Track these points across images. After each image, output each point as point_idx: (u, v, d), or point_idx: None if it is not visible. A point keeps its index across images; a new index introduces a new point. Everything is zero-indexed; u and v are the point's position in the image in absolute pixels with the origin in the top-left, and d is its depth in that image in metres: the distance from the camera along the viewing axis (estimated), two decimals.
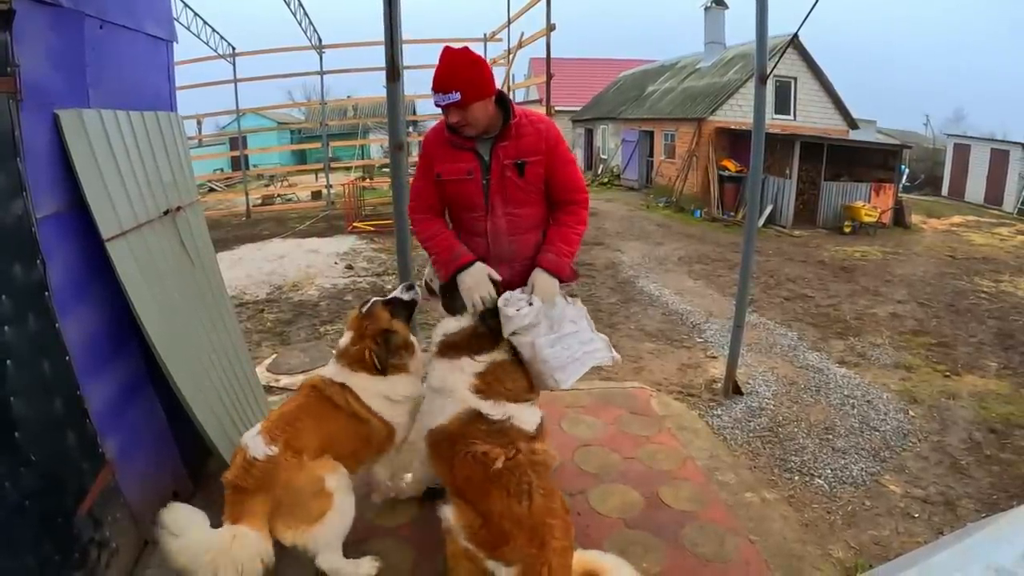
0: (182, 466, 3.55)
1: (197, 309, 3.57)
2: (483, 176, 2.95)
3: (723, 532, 3.27)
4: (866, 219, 15.33)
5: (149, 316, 2.92)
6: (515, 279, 3.02)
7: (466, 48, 2.83)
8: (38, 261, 2.46)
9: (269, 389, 4.72)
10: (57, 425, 2.53)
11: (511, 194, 2.95)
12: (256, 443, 2.65)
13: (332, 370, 3.01)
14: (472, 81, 2.73)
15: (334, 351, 3.08)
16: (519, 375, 2.88)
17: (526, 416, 2.73)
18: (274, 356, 6.39)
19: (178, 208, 3.60)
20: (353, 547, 2.97)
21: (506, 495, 2.41)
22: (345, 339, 3.05)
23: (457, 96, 2.71)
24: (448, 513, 2.53)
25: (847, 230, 15.40)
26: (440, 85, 2.73)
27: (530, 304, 2.83)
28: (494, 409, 2.67)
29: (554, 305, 2.93)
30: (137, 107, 3.32)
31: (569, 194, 3.03)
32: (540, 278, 2.92)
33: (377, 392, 2.97)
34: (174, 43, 3.93)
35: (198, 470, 3.73)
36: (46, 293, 2.50)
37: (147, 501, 3.12)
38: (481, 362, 2.81)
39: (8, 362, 2.26)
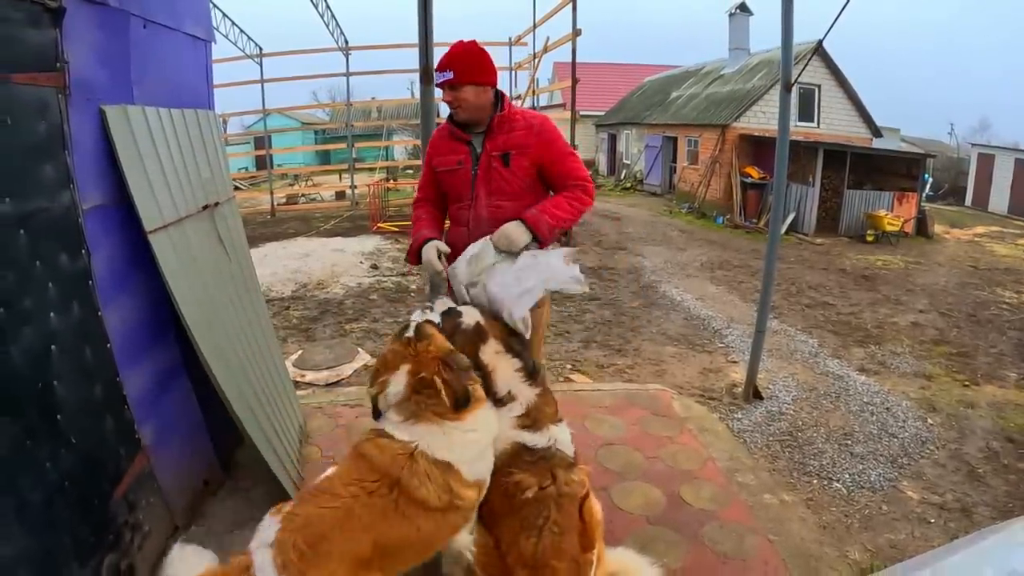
0: (213, 455, 3.65)
1: (232, 302, 3.67)
2: (472, 167, 3.06)
3: (743, 531, 3.32)
4: (888, 228, 15.22)
5: (188, 307, 3.00)
6: None
7: (474, 41, 2.98)
8: (83, 251, 2.57)
9: (295, 384, 4.82)
10: (97, 410, 2.62)
11: (496, 185, 3.03)
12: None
13: (399, 431, 2.21)
14: (466, 64, 2.90)
15: (386, 408, 2.27)
16: (549, 394, 2.71)
17: (564, 437, 2.56)
18: (300, 352, 6.49)
19: (216, 203, 3.71)
20: None
21: (518, 527, 2.28)
22: (398, 383, 2.22)
23: (450, 75, 2.87)
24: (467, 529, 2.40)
25: (869, 239, 15.30)
26: (440, 64, 2.92)
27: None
28: (539, 439, 2.47)
29: (514, 259, 2.86)
30: (177, 105, 3.42)
31: (570, 180, 3.04)
32: (509, 225, 2.89)
33: (464, 443, 2.25)
34: (211, 43, 4.04)
35: (228, 459, 3.83)
36: (90, 282, 2.60)
37: (179, 487, 3.23)
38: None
39: (52, 347, 2.36)
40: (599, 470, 3.84)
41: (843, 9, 4.13)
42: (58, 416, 2.35)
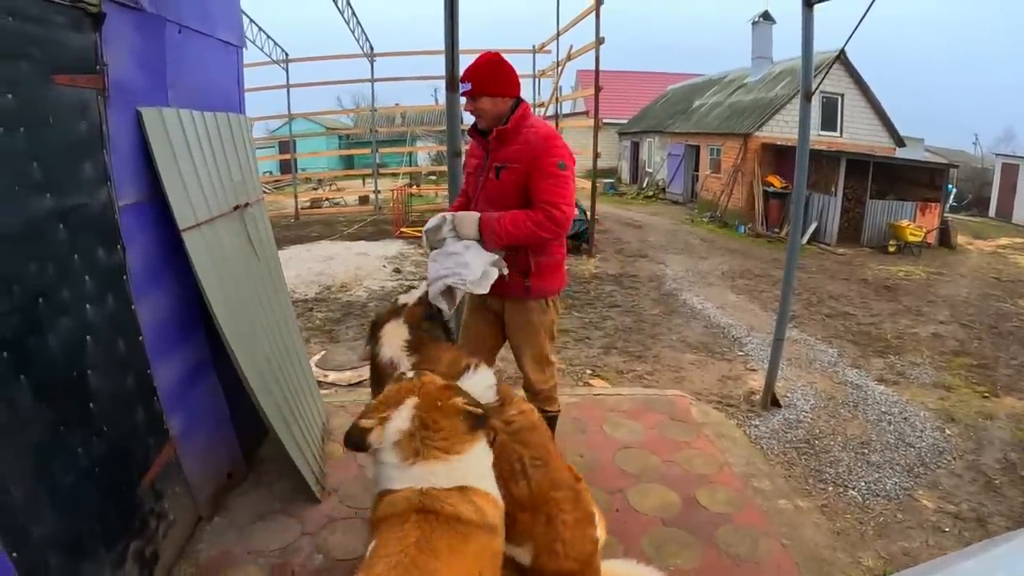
0: (238, 449, 3.73)
1: (260, 300, 3.76)
2: (481, 173, 3.21)
3: (757, 535, 3.34)
4: (911, 239, 15.08)
5: (218, 303, 3.09)
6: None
7: (499, 54, 3.15)
8: (119, 246, 2.67)
9: (318, 384, 4.91)
10: (127, 400, 2.72)
11: (490, 194, 3.16)
12: None
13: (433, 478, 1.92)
14: (484, 76, 3.05)
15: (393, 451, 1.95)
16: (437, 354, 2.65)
17: (480, 383, 2.37)
18: (323, 353, 6.59)
19: (246, 204, 3.81)
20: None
21: (502, 482, 2.14)
22: (402, 418, 1.96)
23: (469, 86, 3.05)
24: None
25: (892, 249, 15.14)
26: (462, 76, 3.11)
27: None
28: None
29: (460, 247, 3.03)
30: (210, 108, 3.53)
31: (538, 200, 3.01)
32: (470, 215, 3.07)
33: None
34: (243, 49, 4.15)
35: (252, 453, 3.92)
36: (124, 276, 2.71)
37: (204, 478, 3.32)
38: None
39: (87, 338, 2.46)
40: (616, 472, 3.89)
41: (863, 17, 4.15)
42: (91, 404, 2.45)
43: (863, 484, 4.43)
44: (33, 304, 2.16)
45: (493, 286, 3.01)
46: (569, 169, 3.05)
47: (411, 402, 1.99)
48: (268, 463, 3.89)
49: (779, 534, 3.37)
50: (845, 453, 4.87)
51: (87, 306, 2.46)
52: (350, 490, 3.67)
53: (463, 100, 3.19)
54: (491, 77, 3.06)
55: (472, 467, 1.97)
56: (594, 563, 2.35)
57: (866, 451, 4.91)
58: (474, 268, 2.97)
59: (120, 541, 2.56)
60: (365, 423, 1.98)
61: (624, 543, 3.20)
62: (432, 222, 3.14)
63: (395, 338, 2.74)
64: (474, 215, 3.07)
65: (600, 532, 2.40)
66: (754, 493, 3.77)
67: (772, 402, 5.55)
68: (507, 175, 3.08)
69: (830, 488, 4.37)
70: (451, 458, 1.93)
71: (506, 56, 3.15)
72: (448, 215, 3.13)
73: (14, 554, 1.92)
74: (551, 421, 3.34)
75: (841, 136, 19.97)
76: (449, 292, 2.98)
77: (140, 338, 2.81)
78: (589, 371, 6.41)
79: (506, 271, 3.08)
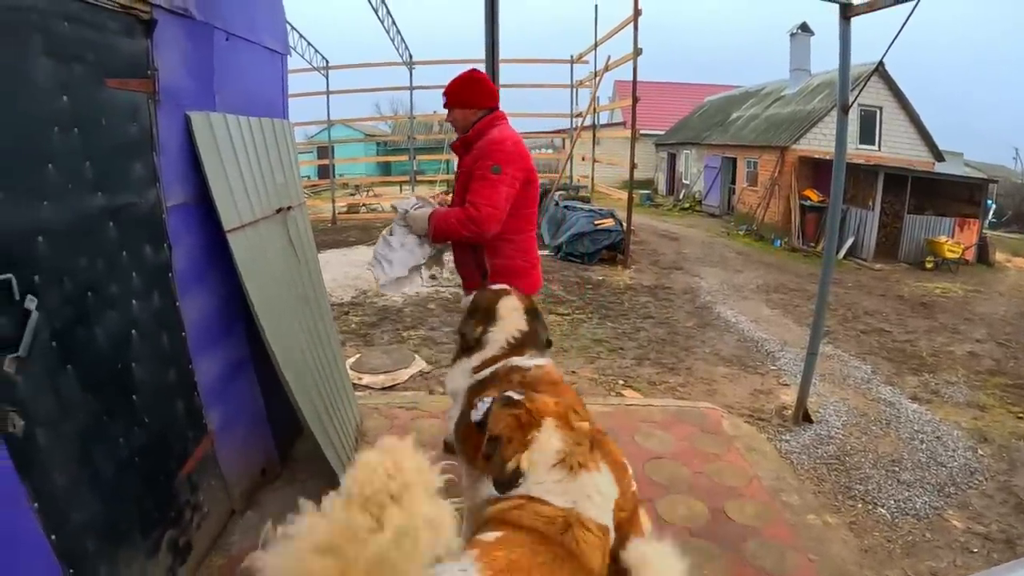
0: (273, 446, 3.82)
1: (300, 301, 3.85)
2: (458, 180, 3.49)
3: (783, 549, 3.33)
4: (948, 255, 14.79)
5: (259, 303, 3.17)
6: (461, 274, 3.58)
7: (475, 70, 3.49)
8: (165, 245, 2.77)
9: (353, 386, 4.99)
10: (169, 393, 2.81)
11: (459, 198, 3.40)
12: None
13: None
14: (455, 91, 3.40)
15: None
16: None
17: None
18: (358, 356, 6.67)
19: (288, 207, 3.91)
20: None
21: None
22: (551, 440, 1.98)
23: (444, 99, 3.43)
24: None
25: (929, 265, 14.87)
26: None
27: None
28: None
29: (396, 242, 3.42)
30: (255, 113, 3.63)
31: (467, 198, 3.22)
32: (424, 212, 3.37)
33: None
34: (287, 56, 4.25)
35: (287, 451, 4.01)
36: (170, 274, 2.81)
37: (239, 473, 3.40)
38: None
39: (133, 332, 2.55)
40: (645, 482, 3.88)
41: (901, 29, 4.12)
42: (134, 396, 2.54)
43: (893, 502, 4.38)
44: (82, 297, 2.25)
45: (465, 283, 3.45)
46: (504, 173, 3.16)
47: (551, 423, 2.02)
48: (302, 462, 3.97)
49: (806, 549, 3.35)
50: (876, 470, 4.81)
51: (134, 301, 2.56)
52: None
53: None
54: (462, 91, 3.39)
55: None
56: (637, 515, 2.24)
57: (897, 469, 4.85)
58: (395, 268, 3.37)
59: (155, 529, 2.64)
60: (509, 464, 1.96)
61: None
62: (401, 204, 3.48)
63: (512, 325, 2.75)
64: (427, 211, 3.35)
65: (644, 520, 2.29)
66: (783, 507, 3.75)
67: (804, 417, 5.51)
68: (460, 180, 3.39)
69: (859, 505, 4.33)
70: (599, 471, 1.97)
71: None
72: (409, 206, 3.45)
73: (52, 537, 1.99)
74: None
75: (879, 150, 19.71)
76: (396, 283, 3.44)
77: (183, 334, 2.91)
78: (622, 382, 6.41)
79: (425, 280, 3.50)
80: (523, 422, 2.03)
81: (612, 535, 1.96)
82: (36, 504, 1.94)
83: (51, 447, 2.04)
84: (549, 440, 1.98)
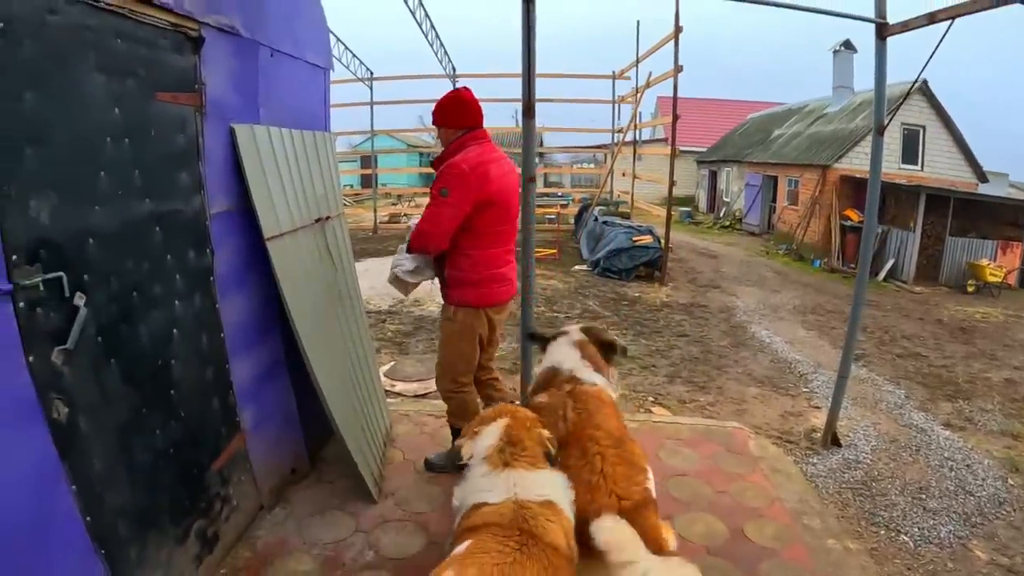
0: (303, 446, 3.95)
1: (335, 308, 3.99)
2: None
3: (800, 572, 3.30)
4: (990, 279, 14.41)
5: (296, 308, 3.32)
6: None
7: (462, 89, 3.72)
8: (208, 250, 2.93)
9: (386, 392, 5.10)
10: (206, 391, 2.96)
11: None
12: None
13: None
14: (438, 111, 3.65)
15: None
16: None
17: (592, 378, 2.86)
18: (392, 363, 6.80)
19: (327, 217, 4.07)
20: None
21: (546, 425, 2.45)
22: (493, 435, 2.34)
23: (431, 117, 3.66)
24: None
25: (970, 289, 14.51)
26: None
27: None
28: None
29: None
30: (297, 126, 3.79)
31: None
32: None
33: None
34: (330, 71, 4.42)
35: (316, 452, 4.14)
36: (211, 278, 2.97)
37: (269, 470, 3.54)
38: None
39: (174, 331, 2.70)
40: (666, 498, 3.88)
41: (936, 48, 4.11)
42: (172, 392, 2.69)
43: (916, 530, 4.32)
44: (128, 297, 2.41)
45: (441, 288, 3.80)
46: (451, 196, 3.40)
47: (502, 422, 2.35)
48: (330, 463, 4.09)
49: (824, 573, 3.32)
50: (902, 497, 4.75)
51: (176, 302, 2.71)
52: (406, 495, 3.83)
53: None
54: (444, 111, 3.63)
55: (552, 484, 2.21)
56: (646, 512, 2.33)
57: (924, 496, 4.78)
58: (407, 264, 3.78)
59: (186, 519, 2.78)
60: (462, 448, 2.33)
61: None
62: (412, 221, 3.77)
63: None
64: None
65: (669, 535, 2.36)
66: (803, 530, 3.72)
67: (832, 441, 5.46)
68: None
69: (882, 531, 4.28)
70: (535, 471, 2.22)
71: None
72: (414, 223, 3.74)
73: (88, 518, 2.13)
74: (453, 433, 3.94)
75: (922, 170, 19.30)
76: (397, 281, 3.79)
77: (221, 335, 3.06)
78: (651, 399, 6.42)
79: (414, 280, 3.82)
80: (484, 417, 2.44)
81: (568, 514, 2.16)
82: (74, 486, 2.08)
83: (92, 434, 2.18)
84: (488, 436, 2.31)
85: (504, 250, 3.76)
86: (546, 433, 2.37)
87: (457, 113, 3.62)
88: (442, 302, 3.82)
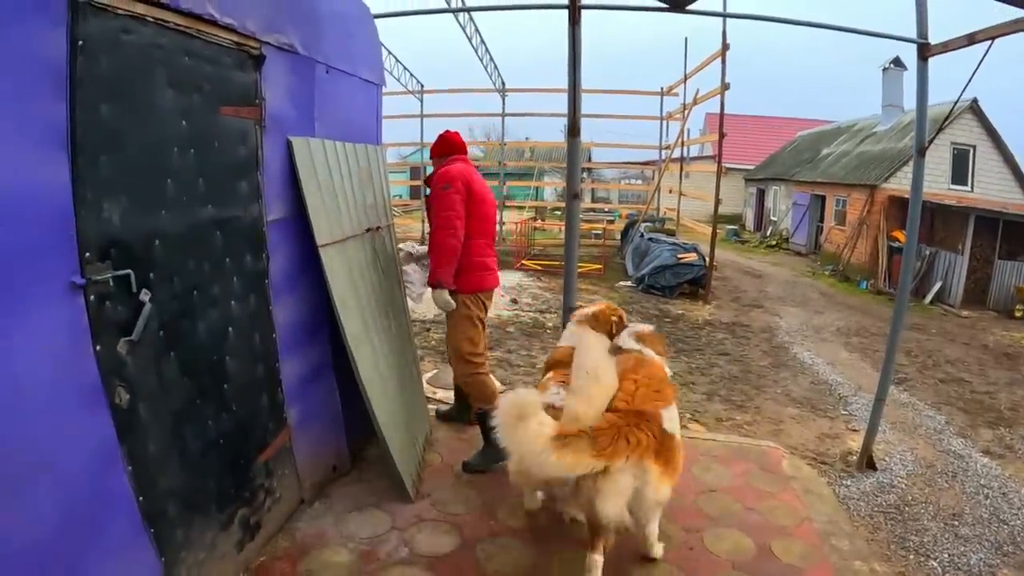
0: (345, 445, 4.10)
1: (382, 315, 4.16)
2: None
3: None
4: None
5: (345, 313, 3.50)
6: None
7: (448, 132, 4.55)
8: (264, 255, 3.12)
9: (427, 399, 5.21)
10: (256, 387, 3.12)
11: (429, 213, 4.31)
12: None
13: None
14: (433, 147, 4.53)
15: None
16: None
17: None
18: (435, 371, 6.91)
19: (377, 228, 4.27)
20: (486, 542, 3.46)
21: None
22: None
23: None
24: None
25: (1018, 314, 14.05)
26: None
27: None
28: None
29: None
30: (350, 139, 3.98)
31: (432, 218, 4.20)
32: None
33: None
34: (383, 87, 4.60)
35: (358, 452, 4.28)
36: (266, 281, 3.15)
37: (311, 466, 3.68)
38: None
39: (230, 329, 2.88)
40: (696, 513, 3.94)
41: (977, 67, 4.10)
42: (225, 386, 2.87)
43: (946, 556, 4.29)
44: (189, 295, 2.59)
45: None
46: (452, 188, 4.10)
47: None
48: (371, 463, 4.22)
49: None
50: (934, 523, 4.71)
51: (232, 302, 2.89)
52: (442, 496, 3.94)
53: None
54: (434, 147, 4.51)
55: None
56: (654, 422, 2.99)
57: (956, 523, 4.73)
58: (417, 287, 4.68)
59: (230, 505, 2.93)
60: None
61: None
62: (405, 246, 4.88)
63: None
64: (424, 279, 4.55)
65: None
66: (831, 551, 3.69)
67: (868, 464, 5.43)
68: (429, 201, 4.29)
69: (911, 556, 4.25)
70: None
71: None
72: (409, 247, 4.95)
73: (140, 498, 2.29)
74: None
75: (972, 190, 18.80)
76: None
77: (274, 335, 3.23)
78: (689, 415, 6.45)
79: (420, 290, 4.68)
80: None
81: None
82: (130, 468, 2.25)
83: (149, 421, 2.36)
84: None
85: (487, 242, 4.37)
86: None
87: (442, 147, 4.46)
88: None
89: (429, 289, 4.24)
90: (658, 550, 3.34)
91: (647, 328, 3.86)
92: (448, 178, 4.15)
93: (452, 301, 4.16)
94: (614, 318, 3.88)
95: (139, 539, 2.32)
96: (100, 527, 2.15)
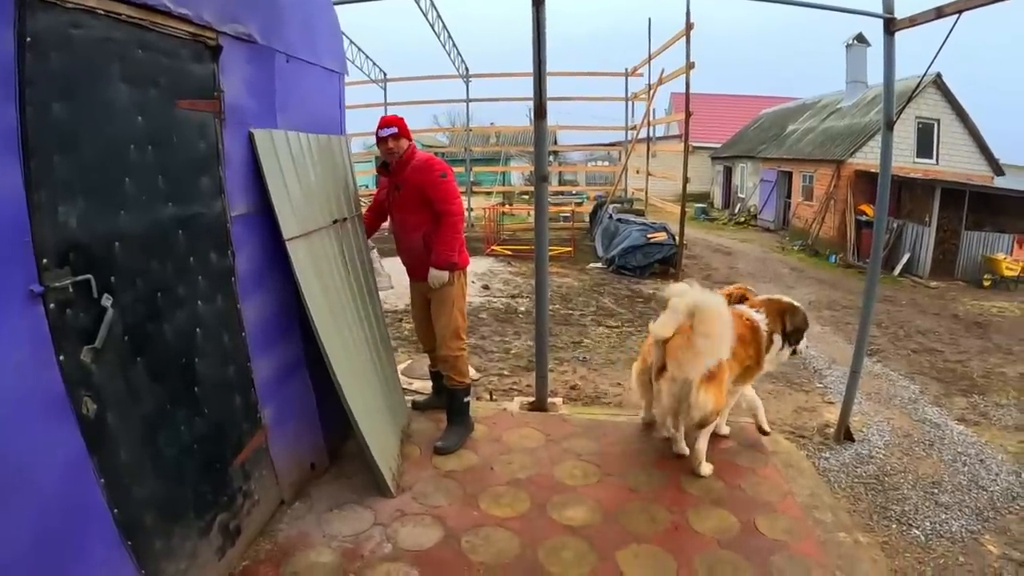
0: (323, 442, 4.04)
1: (353, 307, 4.09)
2: (391, 192, 4.43)
3: (811, 565, 3.31)
4: (1007, 273, 14.35)
5: (315, 307, 3.42)
6: (410, 263, 4.56)
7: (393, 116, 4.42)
8: (229, 252, 3.03)
9: (404, 391, 5.16)
10: (228, 388, 3.05)
11: (398, 203, 4.39)
12: None
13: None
14: (402, 124, 4.27)
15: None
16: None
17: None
18: (409, 362, 6.86)
19: (343, 219, 4.18)
20: (469, 533, 3.42)
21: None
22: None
23: (395, 130, 4.20)
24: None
25: (986, 283, 14.42)
26: (384, 124, 4.25)
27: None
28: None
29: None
30: (314, 130, 3.89)
31: (441, 205, 4.22)
32: (431, 272, 4.27)
33: None
34: (345, 75, 4.51)
35: (336, 448, 4.22)
36: (233, 278, 3.06)
37: (289, 466, 3.62)
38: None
39: (198, 330, 2.80)
40: (680, 493, 3.96)
41: (944, 42, 4.10)
42: (196, 389, 2.79)
43: (928, 524, 4.33)
44: (153, 297, 2.50)
45: (407, 264, 4.60)
46: (448, 177, 4.25)
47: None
48: (349, 458, 4.17)
49: (834, 567, 3.33)
50: (914, 492, 4.76)
51: (199, 302, 2.80)
52: (423, 489, 3.90)
53: (376, 141, 4.29)
54: (403, 126, 4.28)
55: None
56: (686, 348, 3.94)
57: (936, 491, 4.79)
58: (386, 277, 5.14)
59: (209, 512, 2.87)
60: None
61: (677, 560, 3.28)
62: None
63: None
64: (431, 268, 4.29)
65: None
66: (814, 524, 3.73)
67: (845, 436, 5.47)
68: (405, 191, 4.28)
69: (893, 526, 4.30)
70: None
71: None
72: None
73: (115, 510, 2.22)
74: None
75: (937, 163, 19.18)
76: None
77: (243, 334, 3.15)
78: None
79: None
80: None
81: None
82: (102, 479, 2.17)
83: (119, 430, 2.28)
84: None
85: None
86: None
87: (407, 130, 4.34)
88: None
89: (410, 275, 4.60)
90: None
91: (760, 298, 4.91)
92: (442, 166, 4.31)
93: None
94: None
95: (116, 553, 2.25)
96: (75, 544, 2.08)
